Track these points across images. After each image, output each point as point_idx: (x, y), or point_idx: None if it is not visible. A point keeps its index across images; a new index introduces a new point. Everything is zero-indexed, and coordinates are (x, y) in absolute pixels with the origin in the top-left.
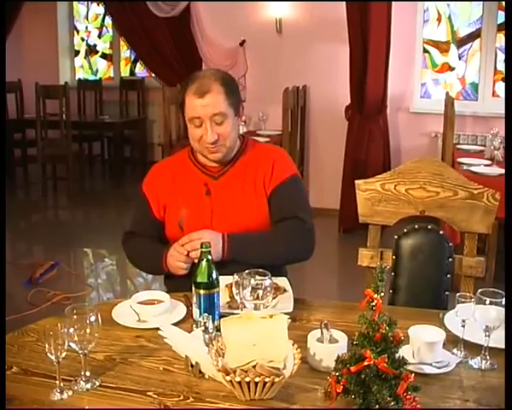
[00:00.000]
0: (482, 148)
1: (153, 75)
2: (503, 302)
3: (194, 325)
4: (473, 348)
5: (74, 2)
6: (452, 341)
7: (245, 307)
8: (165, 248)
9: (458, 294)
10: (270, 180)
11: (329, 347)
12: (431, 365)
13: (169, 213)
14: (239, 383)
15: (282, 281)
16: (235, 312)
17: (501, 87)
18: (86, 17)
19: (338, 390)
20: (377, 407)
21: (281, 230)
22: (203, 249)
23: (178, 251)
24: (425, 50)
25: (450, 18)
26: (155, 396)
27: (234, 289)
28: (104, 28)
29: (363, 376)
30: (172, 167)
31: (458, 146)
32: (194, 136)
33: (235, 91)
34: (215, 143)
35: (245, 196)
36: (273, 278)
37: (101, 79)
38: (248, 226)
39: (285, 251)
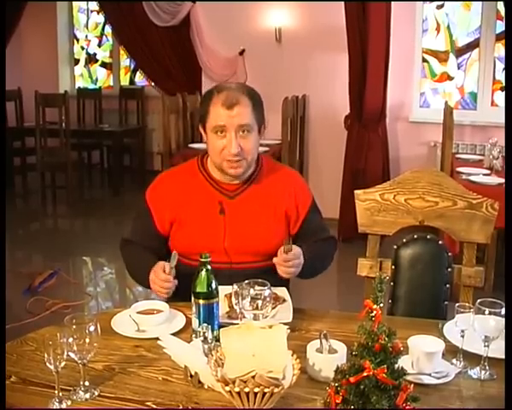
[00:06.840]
0: (481, 157)
1: (152, 84)
2: (502, 312)
3: (194, 335)
4: (472, 359)
5: (74, 11)
6: (451, 351)
7: (244, 317)
8: (153, 264)
9: (457, 304)
10: (297, 210)
11: (329, 357)
12: (430, 375)
13: (177, 229)
14: (238, 393)
15: (282, 291)
16: (234, 322)
17: (499, 96)
18: (86, 26)
19: (337, 401)
20: None
21: (326, 247)
22: (203, 259)
23: (159, 278)
24: (424, 60)
25: (448, 28)
26: (154, 406)
27: (233, 299)
28: (104, 37)
29: (362, 386)
30: (180, 179)
31: (457, 155)
32: (216, 147)
33: (261, 108)
34: (237, 155)
35: (262, 218)
36: (272, 287)
37: (100, 87)
38: (260, 248)
39: (328, 266)
